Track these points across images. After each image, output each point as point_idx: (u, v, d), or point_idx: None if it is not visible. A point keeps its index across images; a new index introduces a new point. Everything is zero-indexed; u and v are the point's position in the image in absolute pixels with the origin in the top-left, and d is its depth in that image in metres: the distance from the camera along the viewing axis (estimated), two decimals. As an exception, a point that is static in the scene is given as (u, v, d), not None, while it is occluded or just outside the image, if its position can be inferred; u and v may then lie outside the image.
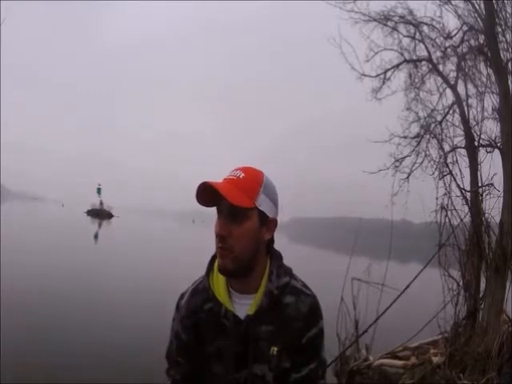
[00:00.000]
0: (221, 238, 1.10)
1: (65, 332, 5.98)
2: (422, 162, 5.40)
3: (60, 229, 26.31)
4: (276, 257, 1.20)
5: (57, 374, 4.49)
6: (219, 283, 1.18)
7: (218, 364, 1.16)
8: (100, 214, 45.42)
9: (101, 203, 48.90)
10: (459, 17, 5.11)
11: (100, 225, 35.87)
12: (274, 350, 1.14)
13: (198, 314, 1.18)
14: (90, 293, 8.73)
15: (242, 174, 1.11)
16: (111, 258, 15.07)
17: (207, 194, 1.08)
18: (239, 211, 1.08)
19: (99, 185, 50.53)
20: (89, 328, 6.27)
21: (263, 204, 1.12)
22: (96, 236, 24.21)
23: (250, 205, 1.09)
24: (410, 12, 5.40)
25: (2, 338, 5.00)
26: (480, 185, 4.64)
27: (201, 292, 1.20)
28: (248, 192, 1.09)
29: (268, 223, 1.14)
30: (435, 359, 4.47)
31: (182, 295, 1.24)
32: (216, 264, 1.19)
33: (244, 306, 1.15)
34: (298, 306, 1.16)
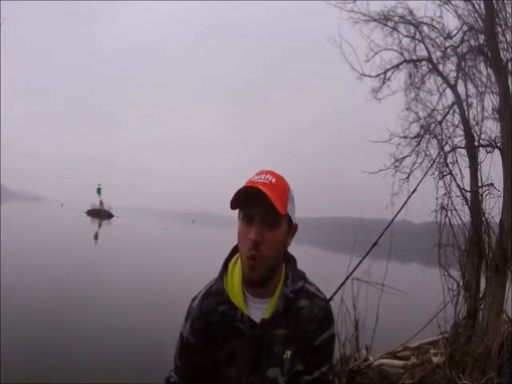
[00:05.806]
0: (255, 244, 1.06)
1: (64, 332, 5.97)
2: (422, 162, 5.40)
3: (60, 229, 26.29)
4: (291, 261, 1.20)
5: (56, 374, 4.49)
6: (234, 286, 1.16)
7: (231, 367, 1.15)
8: (100, 214, 45.34)
9: (101, 203, 48.82)
10: (459, 17, 5.11)
11: (100, 225, 35.84)
12: (288, 353, 1.14)
13: (210, 316, 1.16)
14: (90, 293, 8.72)
15: (273, 179, 1.09)
16: (111, 258, 15.05)
17: (238, 196, 1.05)
18: (274, 217, 1.06)
19: (99, 185, 50.44)
20: (89, 328, 6.26)
21: (290, 210, 1.11)
22: (96, 236, 24.19)
23: (285, 211, 1.08)
24: (410, 12, 5.41)
25: (1, 338, 5.00)
26: (480, 185, 4.63)
27: (214, 294, 1.18)
28: (281, 198, 1.07)
29: (291, 229, 1.14)
30: (435, 359, 4.46)
31: (194, 298, 1.23)
32: (231, 267, 1.18)
33: (259, 310, 1.15)
34: (311, 310, 1.16)
